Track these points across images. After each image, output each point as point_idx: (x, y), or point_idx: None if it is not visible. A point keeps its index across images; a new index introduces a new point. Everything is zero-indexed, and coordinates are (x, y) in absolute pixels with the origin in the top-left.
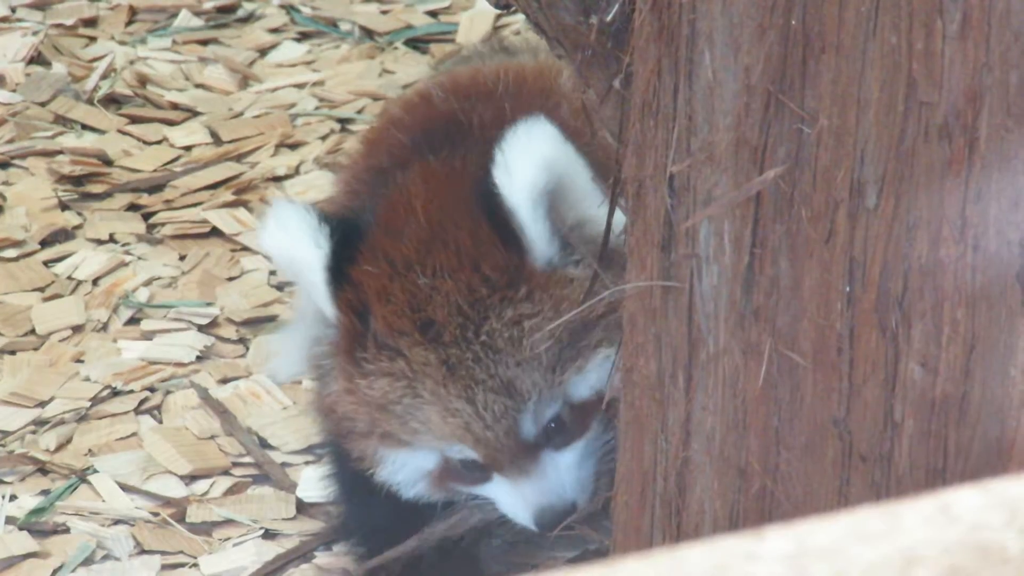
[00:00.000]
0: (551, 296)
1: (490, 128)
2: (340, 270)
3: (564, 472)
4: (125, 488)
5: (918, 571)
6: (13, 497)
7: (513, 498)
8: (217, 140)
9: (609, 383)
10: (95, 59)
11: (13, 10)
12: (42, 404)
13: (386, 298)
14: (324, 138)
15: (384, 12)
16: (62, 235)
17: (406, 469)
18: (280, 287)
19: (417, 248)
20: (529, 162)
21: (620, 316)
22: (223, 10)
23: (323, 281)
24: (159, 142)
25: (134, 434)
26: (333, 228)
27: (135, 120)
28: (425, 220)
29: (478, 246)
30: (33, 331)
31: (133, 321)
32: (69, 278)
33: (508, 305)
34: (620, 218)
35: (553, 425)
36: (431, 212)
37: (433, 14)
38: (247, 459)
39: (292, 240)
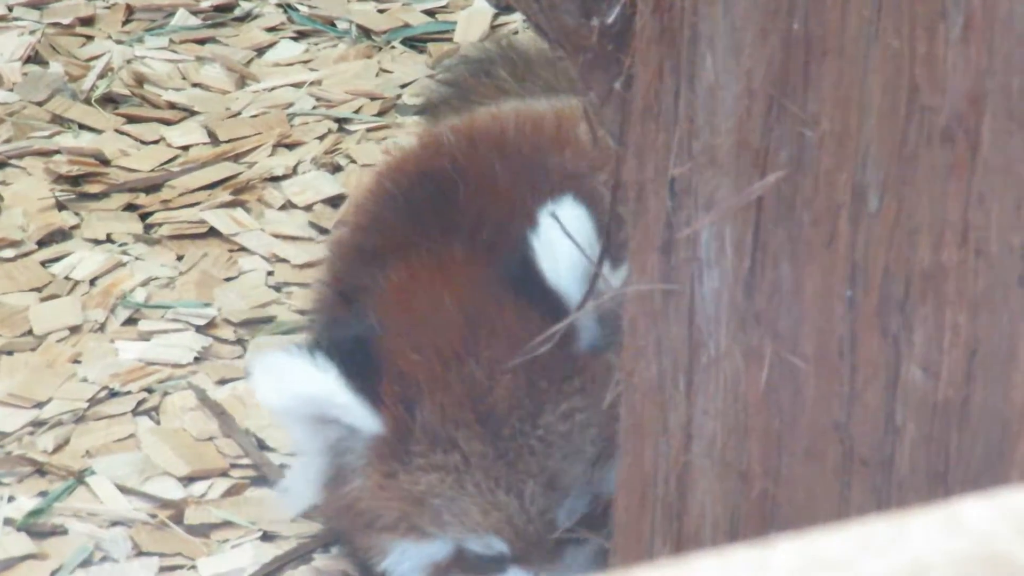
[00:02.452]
0: (599, 385)
1: (491, 194)
2: (361, 376)
3: (583, 568)
4: (123, 490)
5: None
6: (11, 499)
7: None
8: (214, 140)
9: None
10: (92, 58)
11: (10, 9)
12: (40, 405)
13: (443, 387)
14: (322, 138)
15: (381, 11)
16: (59, 235)
17: (414, 560)
18: (278, 288)
19: (462, 335)
20: (570, 246)
21: None
22: (220, 9)
23: (348, 390)
24: (156, 142)
25: (132, 435)
26: (326, 349)
27: (132, 120)
28: (456, 307)
29: (529, 333)
30: (30, 331)
31: (130, 321)
32: (66, 278)
33: (563, 398)
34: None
35: (580, 519)
36: (461, 298)
37: (431, 13)
38: (245, 461)
39: (293, 381)
